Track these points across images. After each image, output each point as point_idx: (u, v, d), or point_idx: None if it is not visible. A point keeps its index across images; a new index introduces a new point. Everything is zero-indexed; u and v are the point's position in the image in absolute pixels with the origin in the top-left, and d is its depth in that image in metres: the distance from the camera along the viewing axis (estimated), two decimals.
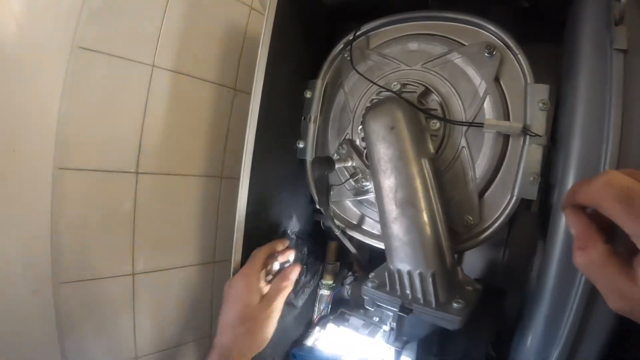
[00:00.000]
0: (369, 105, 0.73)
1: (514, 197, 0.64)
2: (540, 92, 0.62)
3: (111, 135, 0.83)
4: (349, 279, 0.99)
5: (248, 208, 0.80)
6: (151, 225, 0.90)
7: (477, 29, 0.70)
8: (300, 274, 0.89)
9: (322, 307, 0.96)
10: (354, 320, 0.89)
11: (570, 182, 0.53)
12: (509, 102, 0.66)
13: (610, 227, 0.37)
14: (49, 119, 0.75)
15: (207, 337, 1.06)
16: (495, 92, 0.66)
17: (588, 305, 0.52)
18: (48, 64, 0.74)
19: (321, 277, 0.97)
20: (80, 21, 0.76)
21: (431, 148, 0.67)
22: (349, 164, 0.74)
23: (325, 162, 0.71)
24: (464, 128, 0.67)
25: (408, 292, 0.61)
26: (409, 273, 0.60)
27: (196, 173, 0.97)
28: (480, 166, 0.67)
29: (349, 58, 0.79)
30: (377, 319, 0.85)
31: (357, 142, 0.76)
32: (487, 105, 0.66)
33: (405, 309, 0.59)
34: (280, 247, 0.82)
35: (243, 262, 0.79)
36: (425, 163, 0.62)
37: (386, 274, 0.63)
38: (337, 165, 0.73)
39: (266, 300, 0.73)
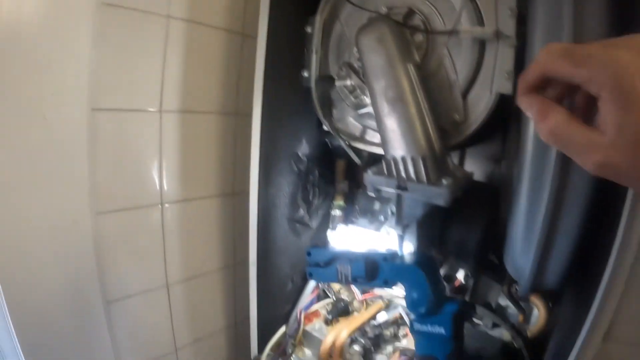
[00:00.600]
0: (361, 26, 0.87)
1: (493, 93, 0.78)
2: (509, 0, 0.76)
3: (136, 78, 0.98)
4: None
5: (262, 137, 0.96)
6: (176, 157, 1.07)
7: None
8: (313, 196, 1.05)
9: (334, 226, 1.13)
10: (361, 220, 1.05)
11: None
12: (482, 14, 0.79)
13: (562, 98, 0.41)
14: (82, 66, 0.90)
15: (232, 265, 1.23)
16: (470, 6, 0.80)
17: (560, 190, 0.64)
18: (77, 17, 0.88)
19: (333, 199, 1.13)
20: None
21: (416, 56, 0.81)
22: (348, 82, 0.89)
23: (328, 80, 0.87)
24: (445, 39, 0.81)
25: (403, 174, 0.76)
26: (403, 158, 0.75)
27: (214, 110, 1.13)
28: (462, 71, 0.81)
29: None
30: (382, 217, 1.01)
31: (355, 65, 0.91)
32: (464, 18, 0.80)
33: (401, 187, 0.75)
34: None
35: (259, 188, 0.96)
36: (411, 67, 0.77)
37: (383, 162, 0.79)
38: (337, 83, 0.88)
39: None
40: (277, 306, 1.14)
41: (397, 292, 1.09)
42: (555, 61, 0.38)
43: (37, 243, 0.89)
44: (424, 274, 0.76)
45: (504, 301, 1.04)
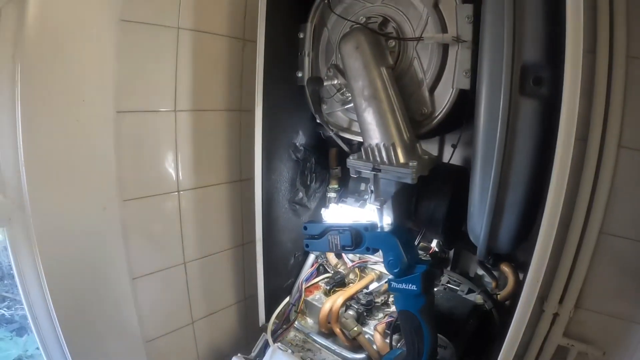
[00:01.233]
0: (342, 35, 1.08)
1: (454, 89, 0.99)
2: (466, 10, 0.95)
3: (153, 83, 1.20)
4: None
5: (264, 130, 1.18)
6: (190, 151, 1.29)
7: None
8: (310, 181, 1.27)
9: (329, 206, 1.35)
10: (349, 199, 1.27)
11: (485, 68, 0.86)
12: (446, 21, 1.00)
13: None
14: (107, 75, 1.11)
15: (240, 245, 1.46)
16: (435, 15, 1.00)
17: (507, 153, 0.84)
18: (101, 33, 1.09)
19: (328, 183, 1.35)
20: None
21: (390, 60, 1.02)
22: (335, 81, 1.10)
23: (317, 80, 1.09)
24: (414, 43, 1.02)
25: (377, 158, 0.97)
26: (377, 145, 0.96)
27: (222, 108, 1.35)
28: (428, 70, 1.01)
29: (328, 3, 1.14)
30: (366, 196, 1.23)
31: (340, 66, 1.12)
32: (429, 25, 1.00)
33: (375, 168, 0.96)
34: None
35: (263, 175, 1.18)
36: (384, 70, 0.98)
37: (362, 149, 1.00)
38: (325, 83, 1.10)
39: None
40: (281, 279, 1.36)
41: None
42: None
43: (74, 226, 1.11)
44: (397, 240, 0.97)
45: (481, 271, 1.26)
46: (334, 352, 1.25)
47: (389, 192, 1.02)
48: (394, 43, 1.03)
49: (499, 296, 1.17)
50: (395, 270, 0.97)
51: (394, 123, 0.96)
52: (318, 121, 1.17)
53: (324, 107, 1.17)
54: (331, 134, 1.15)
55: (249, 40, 1.36)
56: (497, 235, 0.92)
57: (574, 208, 1.21)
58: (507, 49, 0.80)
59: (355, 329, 1.21)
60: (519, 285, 1.15)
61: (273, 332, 1.29)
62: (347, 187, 1.36)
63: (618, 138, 1.14)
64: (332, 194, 1.35)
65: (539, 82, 0.80)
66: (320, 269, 1.42)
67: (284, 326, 1.30)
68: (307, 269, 1.39)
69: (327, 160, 1.36)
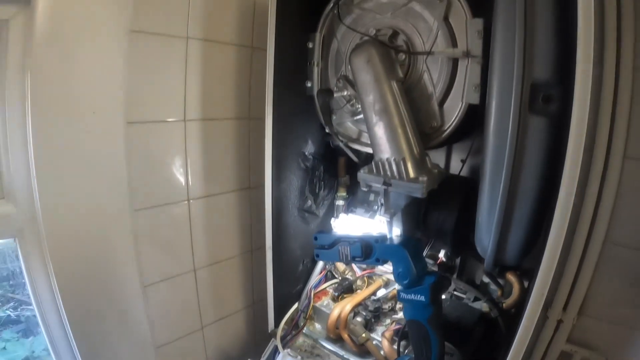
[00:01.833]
0: (352, 47, 1.11)
1: (463, 103, 1.01)
2: (477, 24, 0.97)
3: (162, 93, 1.23)
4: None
5: (273, 138, 1.21)
6: (200, 159, 1.32)
7: None
8: (319, 189, 1.30)
9: (338, 215, 1.38)
10: (359, 210, 1.30)
11: (495, 84, 0.89)
12: (455, 34, 1.02)
13: None
14: (117, 87, 1.14)
15: (249, 251, 1.50)
16: (445, 28, 1.02)
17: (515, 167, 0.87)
18: (111, 44, 1.12)
19: (336, 191, 1.38)
20: (129, 9, 1.14)
21: (400, 73, 1.04)
22: (345, 93, 1.13)
23: (327, 92, 1.12)
24: (424, 57, 1.04)
25: (388, 172, 1.00)
26: (388, 159, 0.99)
27: (230, 116, 1.37)
28: (438, 84, 1.04)
29: (337, 14, 1.17)
30: (376, 207, 1.26)
31: (350, 77, 1.14)
32: (440, 38, 1.03)
33: (386, 183, 0.99)
34: None
35: (273, 184, 1.21)
36: (394, 84, 1.00)
37: (372, 163, 1.03)
38: (335, 95, 1.13)
39: None
40: (290, 285, 1.40)
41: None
42: None
43: (86, 237, 1.15)
44: (407, 252, 1.00)
45: (487, 279, 1.29)
46: (342, 357, 1.28)
47: (399, 205, 1.05)
48: (404, 56, 1.05)
49: (504, 304, 1.21)
50: (405, 282, 1.00)
51: (404, 137, 0.99)
52: (327, 131, 1.20)
53: (334, 117, 1.20)
54: (341, 144, 1.18)
55: (257, 48, 1.39)
56: (505, 248, 0.95)
57: (579, 217, 1.24)
58: (517, 67, 0.82)
59: (364, 335, 1.25)
60: (524, 293, 1.19)
61: (282, 338, 1.32)
62: (356, 195, 1.39)
63: (623, 149, 1.17)
64: (340, 202, 1.38)
65: (548, 100, 0.82)
66: (327, 275, 1.45)
67: (293, 332, 1.33)
68: (315, 276, 1.42)
69: (336, 169, 1.38)
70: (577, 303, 1.31)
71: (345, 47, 1.17)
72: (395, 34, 1.07)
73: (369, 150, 1.16)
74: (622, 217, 1.23)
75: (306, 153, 1.30)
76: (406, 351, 1.19)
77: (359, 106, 1.13)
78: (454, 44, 1.02)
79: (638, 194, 1.21)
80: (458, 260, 1.31)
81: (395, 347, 1.21)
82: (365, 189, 1.06)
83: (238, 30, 1.35)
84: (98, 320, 1.21)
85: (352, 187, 1.42)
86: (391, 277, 1.40)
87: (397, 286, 1.33)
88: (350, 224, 1.35)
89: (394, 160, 0.99)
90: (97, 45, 1.09)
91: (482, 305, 1.23)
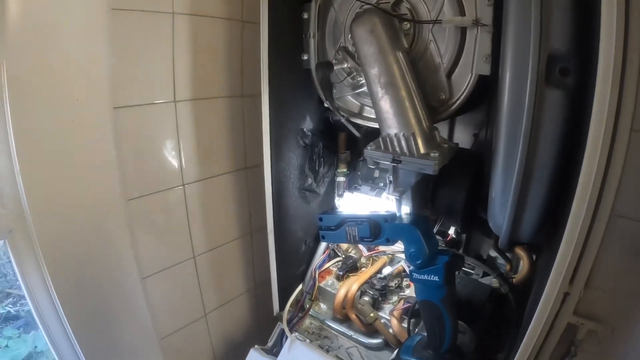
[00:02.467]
0: (353, 17, 1.04)
1: (473, 74, 0.96)
2: None
3: (149, 74, 1.15)
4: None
5: (270, 116, 1.15)
6: (193, 142, 1.26)
7: None
8: (318, 166, 1.25)
9: (340, 192, 1.34)
10: (364, 187, 1.26)
11: (509, 55, 0.84)
12: (463, 2, 0.96)
13: None
14: (101, 70, 1.05)
15: (249, 234, 1.45)
16: None
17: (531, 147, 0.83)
18: (91, 25, 1.02)
19: (337, 168, 1.33)
20: None
21: (405, 43, 0.98)
22: (345, 65, 1.07)
23: (326, 65, 1.06)
24: (430, 25, 0.99)
25: (397, 149, 0.95)
26: (396, 135, 0.94)
27: (223, 95, 1.30)
28: (445, 55, 0.98)
29: None
30: (382, 184, 1.22)
31: (350, 48, 1.08)
32: (446, 6, 0.97)
33: (395, 160, 0.94)
34: None
35: (272, 164, 1.16)
36: (400, 55, 0.94)
37: (380, 138, 0.98)
38: (335, 67, 1.06)
39: None
40: (294, 267, 1.36)
41: (397, 248, 1.32)
42: None
43: (78, 231, 1.08)
44: (419, 231, 0.96)
45: (494, 253, 1.27)
46: (350, 337, 1.27)
47: (409, 182, 1.01)
48: (408, 25, 0.99)
49: (514, 279, 1.19)
50: (418, 262, 0.97)
51: (412, 111, 0.94)
52: (327, 106, 1.14)
53: (334, 92, 1.13)
54: (342, 120, 1.12)
55: (248, 22, 1.31)
56: (520, 226, 0.91)
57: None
58: (534, 37, 0.77)
59: (372, 314, 1.22)
60: (533, 268, 1.17)
61: (288, 322, 1.30)
62: (357, 171, 1.34)
63: (631, 122, 1.14)
64: (341, 179, 1.34)
65: (565, 72, 0.78)
66: (330, 254, 1.42)
67: (299, 314, 1.31)
68: (319, 256, 1.39)
69: (336, 145, 1.33)
70: (583, 276, 1.30)
71: (344, 17, 1.10)
72: (398, 1, 1.01)
73: (372, 124, 1.11)
74: (628, 190, 1.22)
75: (305, 130, 1.24)
76: (417, 330, 1.17)
77: (360, 79, 1.08)
78: (461, 12, 0.95)
79: None
80: (464, 236, 1.29)
81: (404, 325, 1.19)
82: (372, 167, 1.01)
83: (227, 2, 1.26)
84: (98, 317, 1.16)
85: (353, 163, 1.37)
86: (395, 253, 1.37)
87: (403, 262, 1.31)
88: (356, 203, 1.31)
89: (403, 135, 0.94)
90: (75, 27, 1.01)
91: (492, 281, 1.21)
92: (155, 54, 1.16)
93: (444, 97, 1.00)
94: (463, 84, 0.98)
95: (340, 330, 1.29)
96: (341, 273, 1.33)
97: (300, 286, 1.35)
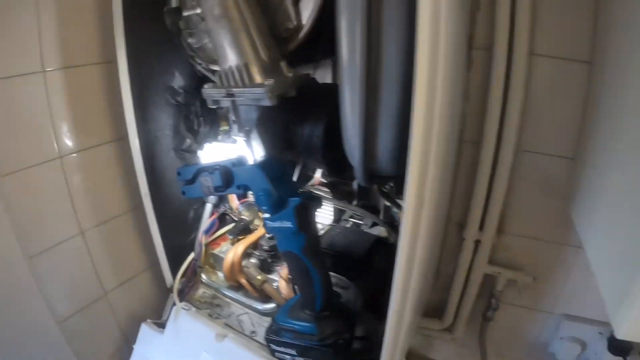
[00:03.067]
0: None
1: None
2: None
3: (13, 44, 1.06)
4: None
5: (130, 77, 1.07)
6: (66, 112, 1.17)
7: None
8: (198, 125, 1.17)
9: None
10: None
11: None
12: None
13: None
14: None
15: (140, 206, 1.35)
16: None
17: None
18: None
19: (220, 126, 1.24)
20: None
21: None
22: (199, 10, 0.99)
23: (174, 11, 0.99)
24: None
25: (232, 82, 0.87)
26: (230, 68, 0.86)
27: (93, 61, 1.21)
28: None
29: None
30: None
31: None
32: None
33: (229, 94, 0.86)
34: None
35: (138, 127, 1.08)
36: None
37: (216, 75, 0.90)
38: (185, 13, 0.99)
39: None
40: (184, 235, 1.29)
41: None
42: None
43: None
44: (264, 173, 0.88)
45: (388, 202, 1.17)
46: (243, 304, 1.19)
47: (251, 119, 0.92)
48: None
49: None
50: (265, 208, 0.89)
51: (248, 41, 0.86)
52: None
53: (193, 40, 1.05)
54: (199, 67, 1.04)
55: None
56: (375, 151, 0.81)
57: (483, 124, 1.13)
58: None
59: (259, 277, 1.14)
60: None
61: (180, 292, 1.22)
62: None
63: (528, 45, 1.05)
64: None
65: None
66: (227, 219, 1.34)
67: (190, 284, 1.23)
68: (205, 220, 1.30)
69: None
70: (494, 221, 1.21)
71: None
72: None
73: None
74: (534, 122, 1.13)
75: (176, 87, 1.16)
76: None
77: None
78: None
79: (550, 95, 1.10)
80: (355, 186, 1.19)
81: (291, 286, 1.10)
82: (213, 107, 0.93)
83: None
84: None
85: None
86: None
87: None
88: (216, 153, 1.24)
89: (236, 66, 0.86)
90: None
91: (380, 231, 1.11)
92: (18, 21, 1.07)
93: (292, 25, 0.92)
94: (309, 7, 0.90)
95: (233, 298, 1.21)
96: (231, 237, 1.24)
97: (192, 254, 1.27)
